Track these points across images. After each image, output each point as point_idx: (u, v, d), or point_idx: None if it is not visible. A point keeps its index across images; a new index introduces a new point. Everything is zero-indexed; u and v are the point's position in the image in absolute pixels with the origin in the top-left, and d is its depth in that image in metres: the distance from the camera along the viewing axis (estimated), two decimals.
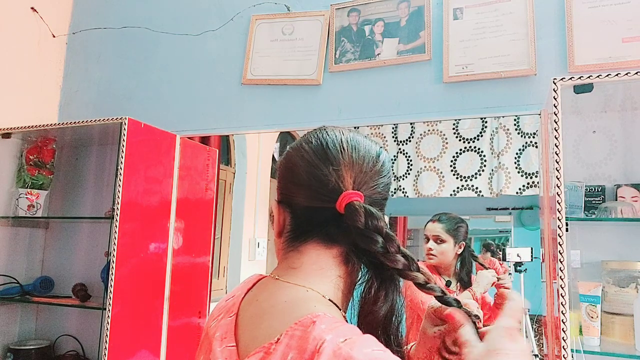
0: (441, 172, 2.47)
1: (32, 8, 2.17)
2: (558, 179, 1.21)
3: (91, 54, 2.27)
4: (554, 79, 1.26)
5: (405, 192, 2.53)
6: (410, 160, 2.55)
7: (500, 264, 2.75)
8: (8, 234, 2.02)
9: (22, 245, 2.07)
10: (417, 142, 2.55)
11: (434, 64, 1.71)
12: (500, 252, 2.68)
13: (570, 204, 1.42)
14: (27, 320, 2.07)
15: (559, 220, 1.19)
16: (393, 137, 2.61)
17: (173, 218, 1.90)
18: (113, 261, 1.62)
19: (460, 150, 2.46)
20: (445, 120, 2.02)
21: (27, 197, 1.94)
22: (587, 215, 1.44)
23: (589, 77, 1.24)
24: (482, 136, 2.43)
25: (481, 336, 0.60)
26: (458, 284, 1.99)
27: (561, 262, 1.19)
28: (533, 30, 1.58)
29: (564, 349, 1.16)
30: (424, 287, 0.62)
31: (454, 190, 2.43)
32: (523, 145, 2.31)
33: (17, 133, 1.95)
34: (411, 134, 2.57)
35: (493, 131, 2.40)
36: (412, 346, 0.76)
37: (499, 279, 1.93)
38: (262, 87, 1.93)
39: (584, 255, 1.45)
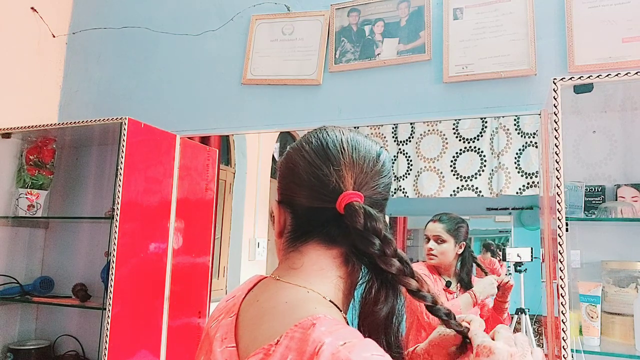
0: (441, 172, 2.47)
1: (32, 8, 2.17)
2: (558, 179, 1.21)
3: (91, 54, 2.27)
4: (554, 79, 1.26)
5: (406, 192, 2.53)
6: (410, 161, 2.55)
7: (500, 265, 2.75)
8: (8, 234, 2.02)
9: (22, 245, 2.07)
10: (417, 142, 2.55)
11: (434, 64, 1.71)
12: (500, 252, 2.68)
13: (570, 204, 1.42)
14: (27, 320, 2.07)
15: (559, 220, 1.19)
16: (393, 137, 2.61)
17: (173, 218, 1.90)
18: (113, 261, 1.62)
19: (460, 150, 2.46)
20: (445, 120, 2.01)
21: (27, 197, 1.94)
22: (587, 215, 1.44)
23: (589, 77, 1.24)
24: (482, 136, 2.43)
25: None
26: (458, 284, 1.99)
27: (561, 262, 1.19)
28: (533, 30, 1.58)
29: (564, 349, 1.16)
30: (415, 294, 0.61)
31: (454, 191, 2.43)
32: (523, 145, 2.31)
33: (17, 133, 1.95)
34: (411, 134, 2.57)
35: (493, 131, 2.40)
36: (414, 348, 0.76)
37: (499, 287, 1.93)
38: (262, 87, 1.93)
39: (584, 255, 1.45)
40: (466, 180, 2.42)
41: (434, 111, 1.69)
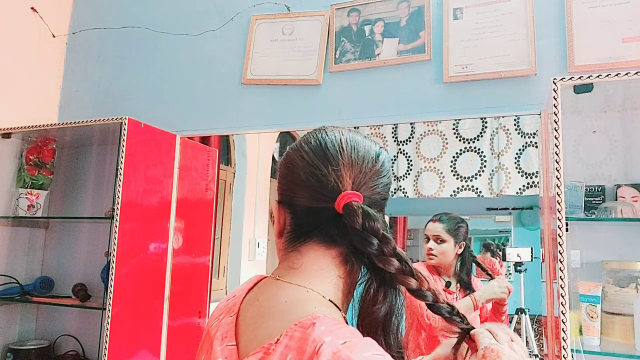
0: (441, 173, 2.48)
1: (32, 8, 2.17)
2: (558, 179, 1.21)
3: (91, 54, 2.27)
4: (554, 79, 1.26)
5: (406, 192, 2.53)
6: (410, 161, 2.55)
7: (500, 265, 2.75)
8: (8, 234, 2.02)
9: (22, 245, 2.07)
10: (417, 142, 2.55)
11: (434, 64, 1.71)
12: (500, 252, 2.69)
13: (570, 204, 1.42)
14: (27, 320, 2.07)
15: (559, 220, 1.19)
16: (393, 137, 2.62)
17: (173, 218, 1.90)
18: (113, 261, 1.62)
19: (461, 150, 2.46)
20: (445, 120, 2.02)
21: (27, 197, 1.94)
22: (587, 215, 1.44)
23: (589, 77, 1.24)
24: (482, 136, 2.43)
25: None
26: (458, 284, 1.99)
27: (561, 262, 1.19)
28: (533, 30, 1.58)
29: (564, 349, 1.16)
30: (416, 293, 0.61)
31: (454, 191, 2.43)
32: (523, 146, 2.32)
33: (17, 133, 1.95)
34: (411, 134, 2.57)
35: (493, 131, 2.40)
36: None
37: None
38: (262, 87, 1.93)
39: (584, 255, 1.45)
40: (466, 181, 2.42)
41: (434, 111, 1.69)
